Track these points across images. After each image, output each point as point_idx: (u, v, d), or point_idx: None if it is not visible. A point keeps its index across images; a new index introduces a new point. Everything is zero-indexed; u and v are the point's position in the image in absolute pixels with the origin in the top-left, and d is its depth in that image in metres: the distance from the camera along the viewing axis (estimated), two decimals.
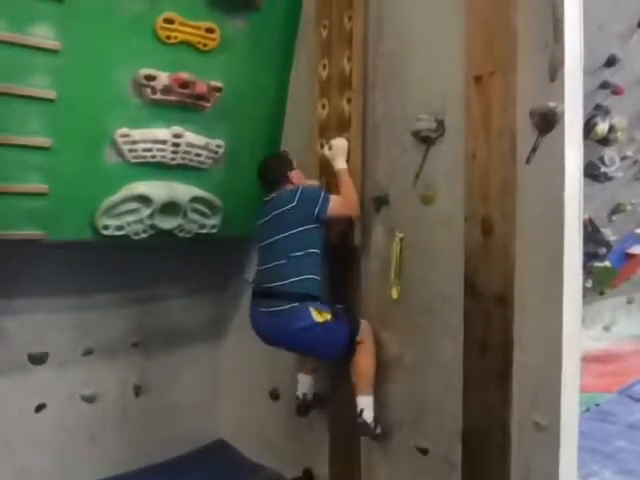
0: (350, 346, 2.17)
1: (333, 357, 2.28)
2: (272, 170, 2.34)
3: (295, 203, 2.16)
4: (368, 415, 2.18)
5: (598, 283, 4.20)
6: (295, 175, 2.32)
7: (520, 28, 1.79)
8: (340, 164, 2.28)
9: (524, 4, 1.78)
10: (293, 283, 2.12)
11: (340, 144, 2.30)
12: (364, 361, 2.21)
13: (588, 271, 3.91)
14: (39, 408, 2.66)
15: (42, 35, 1.96)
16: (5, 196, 2.07)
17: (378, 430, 2.24)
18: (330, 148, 2.32)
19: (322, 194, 2.19)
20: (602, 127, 2.83)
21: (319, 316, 2.10)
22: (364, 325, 2.26)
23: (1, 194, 2.05)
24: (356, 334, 2.18)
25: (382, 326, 2.33)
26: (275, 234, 2.19)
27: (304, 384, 2.49)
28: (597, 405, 3.57)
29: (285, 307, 2.11)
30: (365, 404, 2.19)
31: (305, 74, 2.61)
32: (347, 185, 2.24)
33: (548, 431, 1.72)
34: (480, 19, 1.89)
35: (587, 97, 2.34)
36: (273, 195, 2.28)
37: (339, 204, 2.20)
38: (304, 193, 2.18)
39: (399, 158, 2.23)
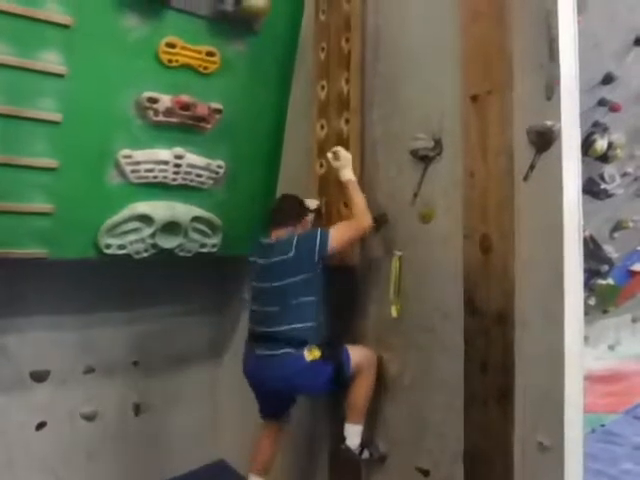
0: (336, 381, 2.15)
1: (320, 392, 2.28)
2: (290, 207, 2.29)
3: (293, 252, 2.11)
4: (352, 442, 2.20)
5: (601, 301, 4.15)
6: (304, 223, 2.28)
7: (516, 47, 1.81)
8: (350, 175, 2.20)
9: (519, 23, 1.80)
10: (290, 330, 2.10)
11: (348, 155, 2.23)
12: (358, 391, 2.20)
13: (590, 289, 3.87)
14: (40, 426, 2.66)
15: (49, 60, 2.01)
16: (11, 215, 2.10)
17: (365, 455, 2.24)
18: (337, 158, 2.23)
19: (318, 233, 2.12)
20: (601, 144, 2.84)
21: (310, 355, 2.08)
22: (366, 355, 2.23)
23: (7, 213, 2.09)
24: (343, 370, 2.14)
25: (382, 345, 2.31)
26: (274, 280, 2.15)
27: None
28: (603, 426, 3.49)
29: (279, 352, 2.08)
30: (350, 433, 2.21)
31: (304, 95, 2.64)
32: (358, 197, 2.16)
33: (552, 452, 1.69)
34: (476, 38, 1.92)
35: (585, 114, 2.37)
36: (272, 241, 2.22)
37: (341, 232, 2.13)
38: (300, 240, 2.14)
39: (397, 177, 2.25)
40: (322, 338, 2.16)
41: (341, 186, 2.28)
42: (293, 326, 2.10)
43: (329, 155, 2.27)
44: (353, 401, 2.22)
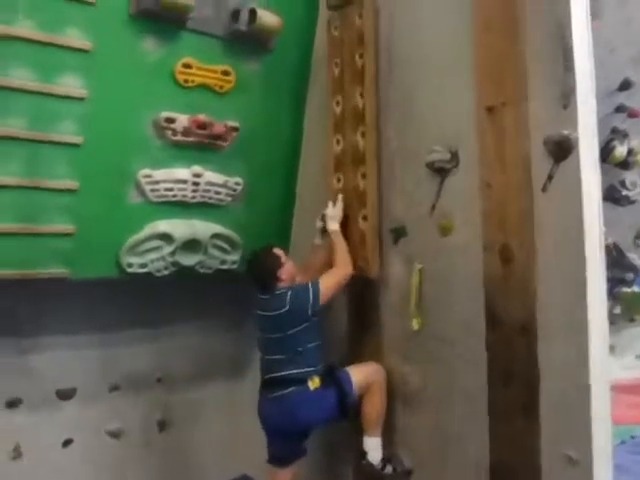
0: (342, 408, 2.20)
1: (328, 421, 2.29)
2: (262, 272, 2.31)
3: (288, 307, 2.19)
4: (373, 456, 2.22)
5: (627, 309, 4.05)
6: (285, 271, 2.30)
7: (530, 57, 1.80)
8: (337, 226, 2.38)
9: (533, 33, 1.79)
10: (295, 373, 2.21)
11: (338, 213, 2.41)
12: (370, 403, 2.25)
13: (615, 297, 3.79)
14: (66, 443, 2.68)
15: (70, 84, 2.06)
16: (34, 237, 2.14)
17: (388, 470, 2.24)
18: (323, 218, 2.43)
19: (310, 289, 2.21)
20: (620, 150, 2.80)
21: (313, 384, 2.19)
22: (371, 371, 2.29)
23: (30, 235, 2.13)
24: (345, 395, 2.20)
25: (403, 358, 2.31)
26: (274, 332, 2.25)
27: None
28: (632, 437, 3.40)
29: (286, 391, 2.19)
30: (370, 446, 2.24)
31: (319, 111, 2.65)
32: (342, 246, 2.34)
33: (580, 465, 1.66)
34: (490, 49, 1.92)
35: (603, 121, 2.34)
36: (267, 297, 2.28)
37: (328, 284, 2.24)
38: (293, 295, 2.21)
39: (415, 190, 2.25)
40: (322, 369, 2.25)
41: (360, 197, 2.36)
42: (297, 371, 2.21)
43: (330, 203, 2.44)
44: (367, 415, 2.26)
